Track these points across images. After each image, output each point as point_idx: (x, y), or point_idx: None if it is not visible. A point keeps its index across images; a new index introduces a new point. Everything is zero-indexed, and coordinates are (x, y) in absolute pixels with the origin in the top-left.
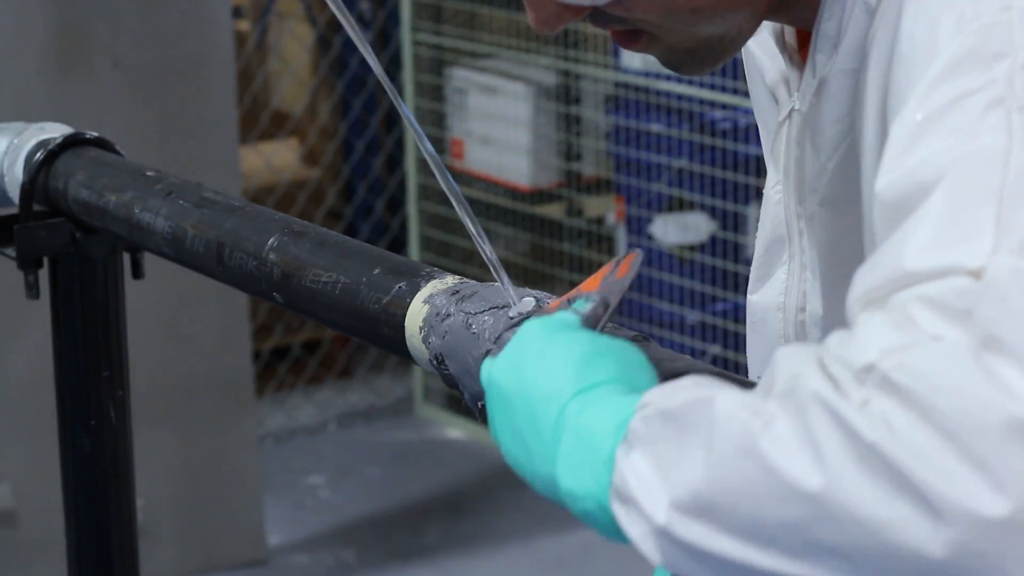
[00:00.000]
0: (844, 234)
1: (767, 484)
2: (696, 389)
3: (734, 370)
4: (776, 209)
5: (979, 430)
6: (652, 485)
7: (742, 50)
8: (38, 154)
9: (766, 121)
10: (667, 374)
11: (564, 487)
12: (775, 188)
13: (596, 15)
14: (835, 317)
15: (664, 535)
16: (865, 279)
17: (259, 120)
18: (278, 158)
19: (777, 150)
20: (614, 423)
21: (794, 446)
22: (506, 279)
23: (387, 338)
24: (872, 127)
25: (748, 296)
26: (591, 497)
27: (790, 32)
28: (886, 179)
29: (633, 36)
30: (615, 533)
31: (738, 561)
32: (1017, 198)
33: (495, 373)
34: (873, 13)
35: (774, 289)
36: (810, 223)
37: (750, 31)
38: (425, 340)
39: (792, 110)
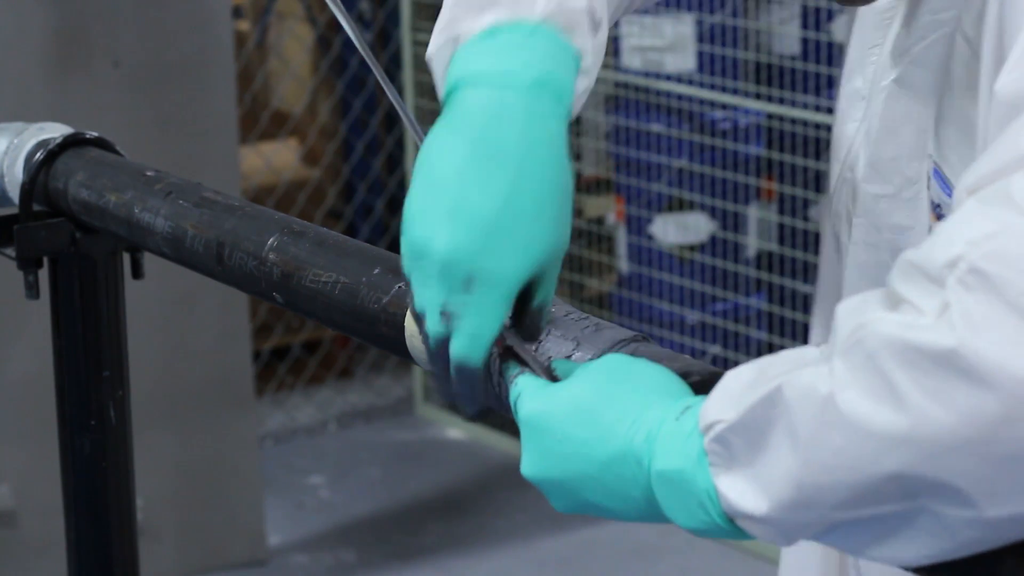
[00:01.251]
0: (906, 121)
1: (859, 447)
2: (752, 388)
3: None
4: (868, 69)
5: None
6: (755, 494)
7: None
8: (38, 154)
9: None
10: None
11: (687, 528)
12: (873, 50)
13: None
14: (871, 191)
15: (784, 531)
16: (978, 168)
17: (259, 120)
18: (278, 158)
19: (883, 22)
20: (693, 457)
21: (871, 399)
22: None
23: (387, 338)
24: (992, 30)
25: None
26: (715, 530)
27: None
28: (1008, 78)
29: None
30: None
31: (860, 519)
32: None
33: (534, 475)
34: None
35: (842, 139)
36: (880, 94)
37: None
38: (425, 341)
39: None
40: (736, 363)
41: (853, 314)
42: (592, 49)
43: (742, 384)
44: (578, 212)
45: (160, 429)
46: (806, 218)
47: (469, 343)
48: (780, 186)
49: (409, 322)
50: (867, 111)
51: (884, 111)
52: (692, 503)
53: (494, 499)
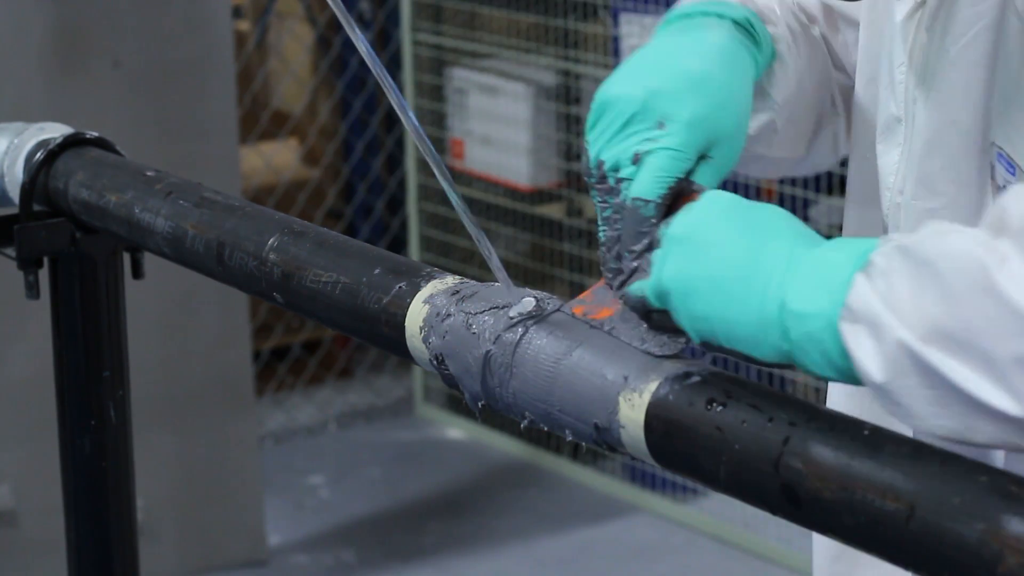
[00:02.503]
0: (949, 128)
1: (1004, 320)
2: (932, 231)
3: (733, 370)
4: (899, 90)
5: None
6: (891, 309)
7: None
8: (38, 154)
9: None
10: (668, 375)
11: (793, 308)
12: (900, 68)
13: None
14: (921, 207)
15: (902, 352)
16: None
17: (259, 120)
18: (278, 158)
19: (907, 31)
20: (855, 253)
21: None
22: (505, 278)
23: (387, 338)
24: None
25: (849, 167)
26: (822, 316)
27: None
28: None
29: None
30: (828, 361)
31: (967, 392)
32: None
33: (688, 229)
34: None
35: (888, 169)
36: (920, 107)
37: None
38: (425, 340)
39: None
40: (736, 363)
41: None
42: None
43: (930, 226)
44: (578, 212)
45: (160, 429)
46: (806, 218)
47: (653, 179)
48: (780, 186)
49: (409, 322)
50: (908, 130)
51: (927, 123)
52: (821, 285)
53: (494, 499)
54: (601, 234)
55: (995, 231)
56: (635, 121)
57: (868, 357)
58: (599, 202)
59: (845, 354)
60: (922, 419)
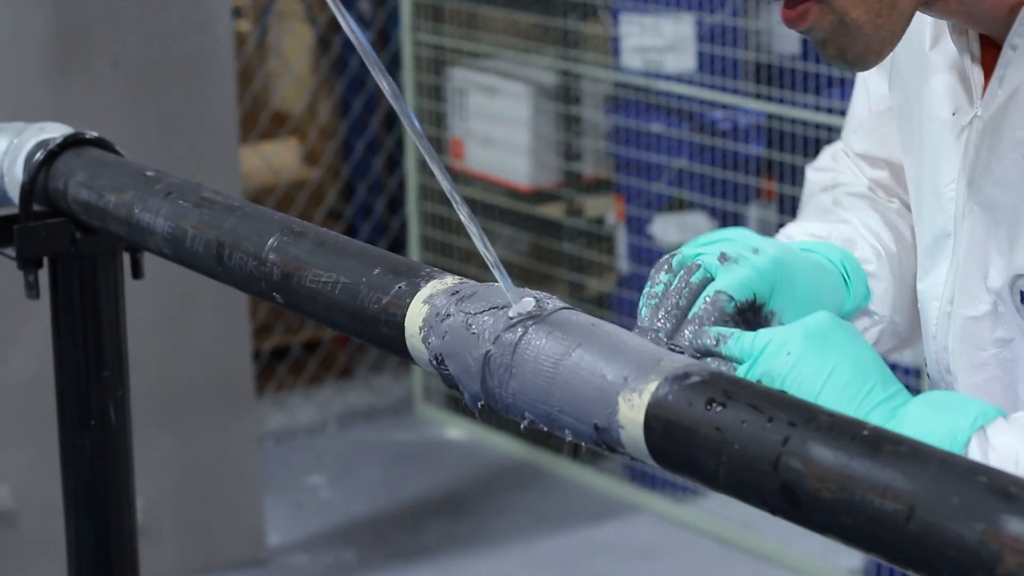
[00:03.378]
0: (989, 240)
1: None
2: None
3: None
4: (948, 206)
5: None
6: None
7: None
8: (38, 154)
9: (921, 108)
10: (668, 375)
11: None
12: (949, 186)
13: None
14: (965, 315)
15: None
16: None
17: (259, 120)
18: (278, 158)
19: (954, 151)
20: (973, 413)
21: None
22: (506, 278)
23: (387, 338)
24: None
25: (917, 284)
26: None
27: (974, 37)
28: None
29: (803, 11)
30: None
31: None
32: None
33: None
34: None
35: (937, 280)
36: (969, 219)
37: (912, 11)
38: (425, 340)
39: (975, 116)
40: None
41: None
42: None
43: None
44: (578, 212)
45: (160, 429)
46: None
47: (739, 282)
48: (780, 186)
49: (409, 322)
50: (956, 242)
51: (970, 233)
52: (944, 421)
53: (494, 499)
54: (653, 292)
55: None
56: (732, 240)
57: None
58: (661, 273)
59: None
60: None
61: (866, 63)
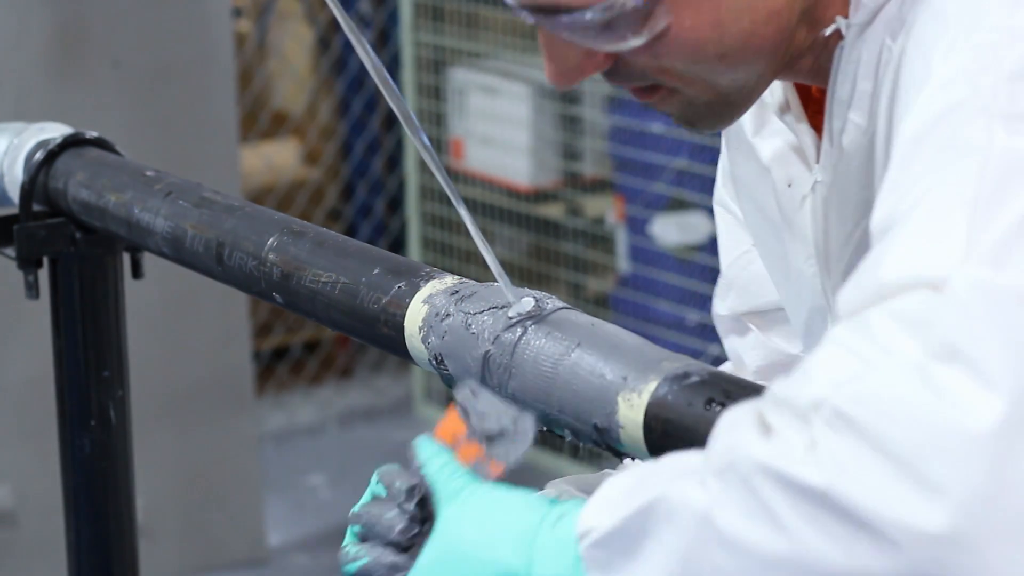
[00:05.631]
0: None
1: (737, 563)
2: (630, 496)
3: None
4: (813, 282)
5: (933, 453)
6: None
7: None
8: (38, 154)
9: (759, 193)
10: (667, 375)
11: None
12: (808, 262)
13: (614, 70)
14: None
15: None
16: (845, 295)
17: (259, 120)
18: (278, 158)
19: (802, 223)
20: (569, 562)
21: (749, 520)
22: (505, 279)
23: (387, 338)
24: (881, 164)
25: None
26: None
27: (794, 101)
28: (879, 213)
29: (651, 89)
30: None
31: None
32: (991, 205)
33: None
34: (876, 67)
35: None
36: (833, 292)
37: (766, 84)
38: (424, 340)
39: (815, 183)
40: None
41: (729, 431)
42: None
43: (620, 491)
44: (578, 212)
45: (160, 429)
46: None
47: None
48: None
49: (409, 322)
50: (832, 319)
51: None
52: None
53: None
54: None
55: (707, 467)
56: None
57: None
58: None
59: None
60: None
61: (716, 130)
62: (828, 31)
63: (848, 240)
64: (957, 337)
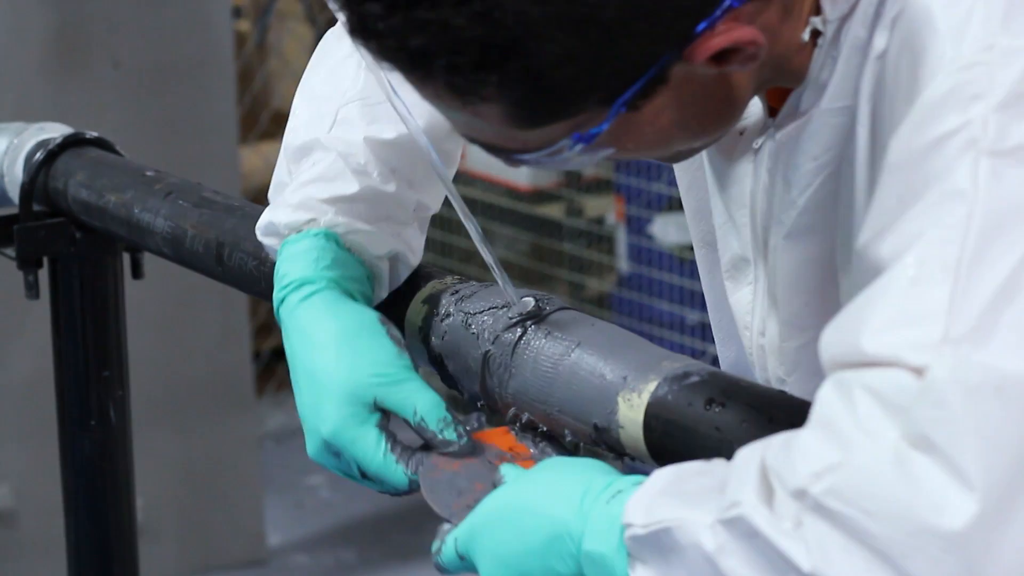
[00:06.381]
0: (807, 265)
1: None
2: (661, 509)
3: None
4: (742, 231)
5: (911, 547)
6: None
7: None
8: (38, 154)
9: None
10: (667, 375)
11: None
12: (740, 212)
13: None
14: (790, 347)
15: None
16: (830, 344)
17: (259, 120)
18: (278, 158)
19: (742, 177)
20: (614, 544)
21: (753, 570)
22: (505, 279)
23: None
24: (863, 163)
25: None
26: None
27: None
28: (864, 238)
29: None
30: None
31: None
32: (974, 267)
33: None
34: (865, 50)
35: (741, 307)
36: (773, 253)
37: (727, 132)
38: (425, 340)
39: (767, 138)
40: None
41: (738, 483)
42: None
43: (657, 490)
44: (578, 212)
45: (160, 429)
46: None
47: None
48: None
49: (409, 322)
50: (758, 271)
51: (784, 265)
52: None
53: None
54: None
55: (718, 505)
56: None
57: None
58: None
59: None
60: None
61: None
62: (806, 35)
63: (791, 205)
64: (933, 430)
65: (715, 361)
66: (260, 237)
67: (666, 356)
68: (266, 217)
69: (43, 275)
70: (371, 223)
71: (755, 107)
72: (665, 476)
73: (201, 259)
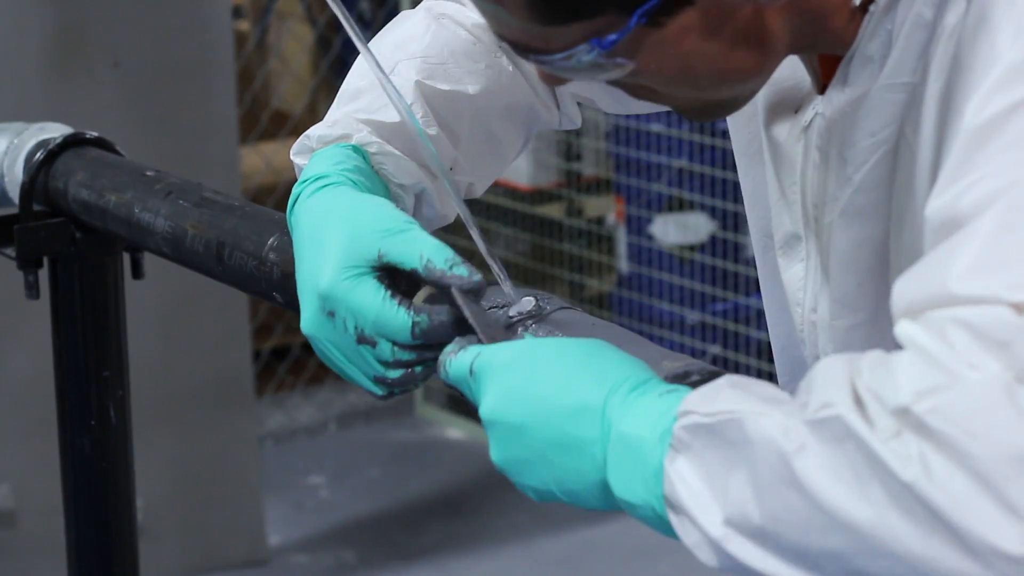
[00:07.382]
0: (861, 245)
1: (811, 514)
2: (731, 401)
3: (733, 370)
4: (793, 208)
5: (1013, 473)
6: (703, 497)
7: None
8: (38, 154)
9: (750, 123)
10: (667, 374)
11: (619, 497)
12: (791, 188)
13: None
14: (841, 325)
15: (717, 548)
16: (907, 291)
17: (259, 120)
18: (278, 158)
19: (793, 154)
20: (659, 431)
21: (833, 478)
22: (506, 279)
23: None
24: (929, 140)
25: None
26: (646, 507)
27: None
28: (938, 201)
29: (639, 90)
30: (676, 535)
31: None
32: None
33: (493, 414)
34: (931, 27)
35: (793, 284)
36: (826, 230)
37: (760, 87)
38: None
39: (816, 114)
40: (736, 363)
41: (827, 385)
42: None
43: (730, 384)
44: (578, 212)
45: (160, 429)
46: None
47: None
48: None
49: None
50: (809, 248)
51: (837, 244)
52: (636, 473)
53: (494, 499)
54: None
55: (800, 409)
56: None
57: (696, 546)
58: None
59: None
60: None
61: (716, 120)
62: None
63: (847, 182)
64: None
65: (715, 361)
66: (292, 156)
67: (667, 355)
68: (301, 139)
69: (43, 275)
70: (404, 155)
71: (806, 83)
72: (731, 377)
73: (201, 259)
